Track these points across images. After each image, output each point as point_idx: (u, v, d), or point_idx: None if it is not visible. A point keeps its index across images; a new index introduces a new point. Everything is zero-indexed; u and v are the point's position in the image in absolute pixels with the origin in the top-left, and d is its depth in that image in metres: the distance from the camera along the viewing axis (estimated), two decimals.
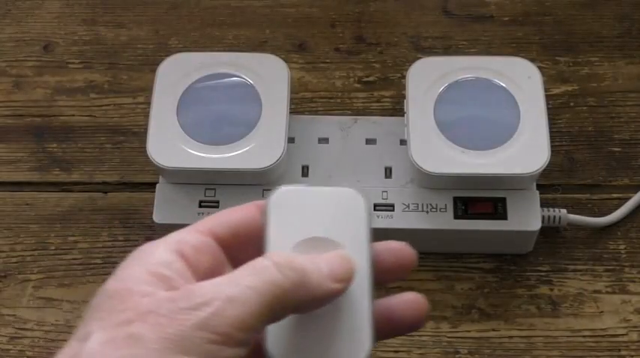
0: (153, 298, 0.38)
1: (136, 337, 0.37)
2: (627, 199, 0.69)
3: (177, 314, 0.37)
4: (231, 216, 0.42)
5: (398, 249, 0.43)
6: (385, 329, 0.42)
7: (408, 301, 0.43)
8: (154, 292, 0.38)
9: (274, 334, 0.41)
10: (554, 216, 0.67)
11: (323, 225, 0.42)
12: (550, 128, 0.65)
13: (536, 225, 0.65)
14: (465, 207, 0.65)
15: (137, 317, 0.37)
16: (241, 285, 0.38)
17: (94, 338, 0.37)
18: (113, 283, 0.39)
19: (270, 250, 0.41)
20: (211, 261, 0.41)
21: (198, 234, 0.41)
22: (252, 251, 0.42)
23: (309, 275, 0.39)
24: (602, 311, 0.65)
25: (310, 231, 0.42)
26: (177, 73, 0.68)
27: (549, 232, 0.68)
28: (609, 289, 0.66)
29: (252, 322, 0.37)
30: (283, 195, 0.43)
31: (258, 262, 0.39)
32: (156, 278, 0.38)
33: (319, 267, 0.40)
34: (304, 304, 0.40)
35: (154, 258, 0.39)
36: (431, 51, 0.77)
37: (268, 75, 0.68)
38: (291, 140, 0.68)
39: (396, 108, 0.74)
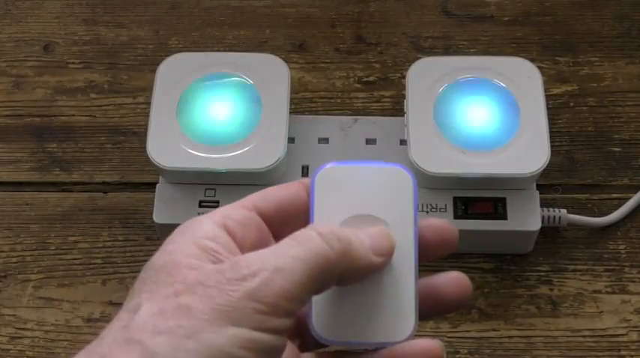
0: (201, 270, 0.38)
1: (186, 308, 0.37)
2: (627, 199, 0.69)
3: (225, 285, 0.37)
4: (277, 192, 0.43)
5: (440, 226, 0.43)
6: (430, 307, 0.43)
7: (452, 279, 0.43)
8: (201, 265, 0.38)
9: (319, 308, 0.41)
10: (554, 216, 0.67)
11: (369, 203, 0.42)
12: (550, 128, 0.65)
13: (536, 225, 0.65)
14: (465, 207, 0.65)
15: (185, 289, 0.37)
16: (287, 256, 0.38)
17: (143, 310, 0.37)
18: (160, 257, 0.39)
19: None
20: (256, 235, 0.41)
21: (243, 209, 0.42)
22: (296, 228, 0.42)
23: (353, 246, 0.40)
24: (602, 311, 0.65)
25: (356, 209, 0.42)
26: (177, 73, 0.68)
27: (549, 232, 0.68)
28: (609, 289, 0.66)
29: (299, 292, 0.38)
30: (329, 173, 0.43)
31: (302, 233, 0.39)
32: (202, 252, 0.39)
33: (362, 239, 0.40)
34: (348, 275, 0.40)
35: (200, 231, 0.40)
36: (431, 51, 0.77)
37: (268, 75, 0.68)
38: (291, 140, 0.68)
39: (396, 108, 0.74)
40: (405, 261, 0.42)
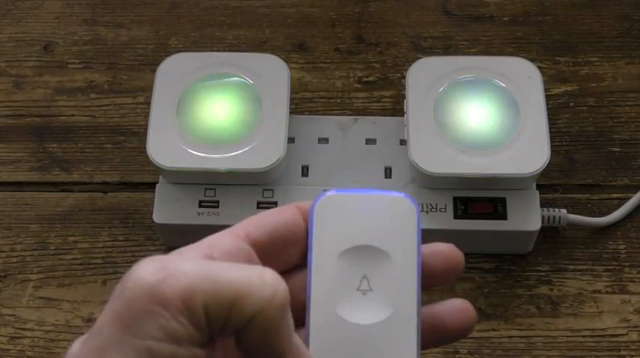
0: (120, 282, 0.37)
1: (98, 326, 0.36)
2: (627, 199, 0.69)
3: (125, 287, 0.36)
4: (270, 218, 0.41)
5: (446, 254, 0.42)
6: (433, 337, 0.41)
7: (456, 308, 0.41)
8: None
9: (318, 346, 0.40)
10: (554, 216, 0.67)
11: (371, 233, 0.40)
12: (550, 128, 0.65)
13: (536, 225, 0.65)
14: (465, 207, 0.65)
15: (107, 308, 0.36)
16: (212, 266, 0.36)
17: (79, 338, 0.37)
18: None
19: (315, 258, 0.40)
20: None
21: (233, 237, 0.40)
22: (291, 254, 0.41)
23: (286, 318, 0.37)
24: (601, 311, 0.65)
25: (357, 239, 0.40)
26: (177, 73, 0.68)
27: (549, 232, 0.68)
28: (609, 289, 0.66)
29: (201, 298, 0.35)
30: (330, 201, 0.41)
31: (263, 268, 0.37)
32: None
33: (294, 334, 0.38)
34: (257, 334, 0.37)
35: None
36: (431, 51, 0.77)
37: (268, 75, 0.68)
38: (291, 140, 0.68)
39: (396, 108, 0.74)
40: (408, 294, 0.40)
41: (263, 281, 0.36)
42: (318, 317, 0.40)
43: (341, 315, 0.40)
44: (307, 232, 0.41)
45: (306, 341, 0.40)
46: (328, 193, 0.41)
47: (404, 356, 0.40)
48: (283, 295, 0.36)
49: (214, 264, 0.37)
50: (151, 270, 0.36)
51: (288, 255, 0.41)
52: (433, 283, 0.41)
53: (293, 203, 0.42)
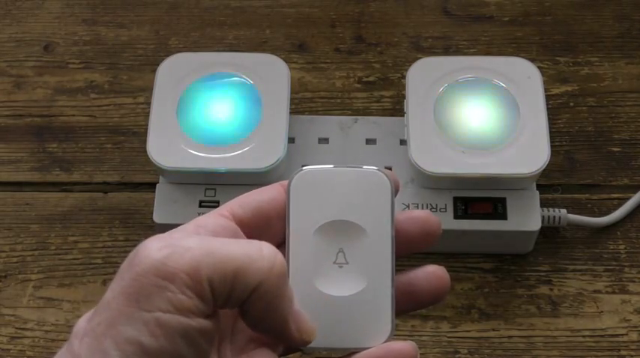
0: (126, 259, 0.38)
1: (105, 300, 0.38)
2: (627, 199, 0.69)
3: (133, 263, 0.37)
4: (255, 196, 0.42)
5: (422, 219, 0.43)
6: (406, 303, 0.43)
7: (429, 274, 0.43)
8: None
9: None
10: (554, 216, 0.67)
11: (346, 208, 0.42)
12: (550, 128, 0.65)
13: (536, 225, 0.65)
14: (465, 207, 0.65)
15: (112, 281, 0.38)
16: (213, 242, 0.38)
17: (86, 314, 0.39)
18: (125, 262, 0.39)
19: (292, 234, 0.42)
20: None
21: (219, 217, 0.41)
22: (276, 231, 0.42)
23: (286, 286, 0.39)
24: (601, 311, 0.65)
25: (333, 214, 0.42)
26: (177, 73, 0.68)
27: (549, 232, 0.68)
28: (609, 289, 0.66)
29: (206, 274, 0.37)
30: (305, 177, 0.43)
31: (259, 242, 0.39)
32: None
33: (294, 301, 0.40)
34: (260, 304, 0.39)
35: None
36: (431, 51, 0.77)
37: (268, 75, 0.68)
38: (291, 140, 0.68)
39: (396, 108, 0.74)
40: (383, 266, 0.42)
41: (262, 254, 0.38)
42: (297, 290, 0.41)
43: (319, 288, 0.42)
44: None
45: None
46: (303, 169, 0.43)
47: (380, 324, 0.42)
48: (281, 265, 0.39)
49: (216, 240, 0.39)
50: (157, 247, 0.38)
51: (273, 231, 0.42)
52: (411, 249, 0.43)
53: (278, 182, 0.43)
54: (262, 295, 0.38)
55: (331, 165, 0.43)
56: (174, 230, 0.41)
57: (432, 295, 0.43)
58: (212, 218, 0.41)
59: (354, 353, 0.42)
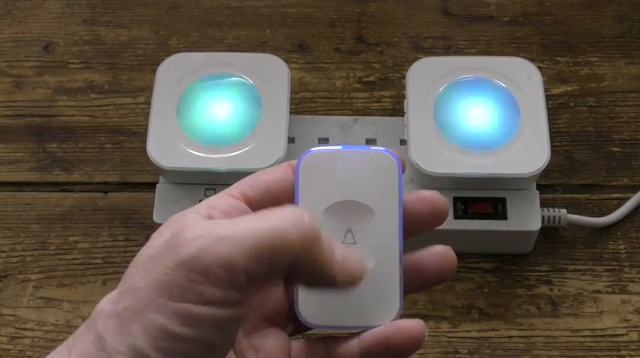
0: (153, 246, 0.38)
1: (132, 287, 0.37)
2: (627, 199, 0.69)
3: (164, 255, 0.37)
4: (264, 177, 0.43)
5: (430, 199, 0.43)
6: (413, 282, 0.43)
7: (435, 254, 0.43)
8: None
9: (305, 294, 0.42)
10: (554, 216, 0.67)
11: (354, 189, 0.42)
12: (550, 128, 0.65)
13: (536, 225, 0.65)
14: (465, 207, 0.65)
15: (136, 267, 0.38)
16: (240, 226, 0.38)
17: (108, 295, 0.39)
18: (145, 249, 0.39)
19: None
20: None
21: (229, 197, 0.41)
22: None
23: (319, 245, 0.39)
24: (601, 311, 0.65)
25: (341, 195, 0.42)
26: (177, 73, 0.68)
27: (549, 232, 0.68)
28: (609, 289, 0.66)
29: (241, 262, 0.37)
30: (314, 158, 0.43)
31: (280, 209, 0.39)
32: None
33: (333, 249, 0.40)
34: (299, 269, 0.39)
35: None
36: (431, 51, 0.77)
37: (268, 75, 0.68)
38: (291, 140, 0.68)
39: (396, 108, 0.74)
40: (391, 245, 0.42)
41: (290, 223, 0.38)
42: None
43: None
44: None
45: (296, 293, 0.42)
46: (312, 150, 0.43)
47: (388, 303, 0.42)
48: (311, 228, 0.38)
49: (244, 221, 0.38)
50: (188, 237, 0.37)
51: None
52: (418, 229, 0.43)
53: (287, 161, 0.43)
54: (303, 263, 0.38)
55: (339, 146, 0.43)
56: (184, 211, 0.40)
57: (438, 274, 0.43)
58: (223, 198, 0.41)
59: (363, 331, 0.42)
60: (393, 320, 0.42)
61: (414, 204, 0.43)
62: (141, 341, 0.36)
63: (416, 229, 0.43)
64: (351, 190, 0.42)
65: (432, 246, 0.43)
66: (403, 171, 0.43)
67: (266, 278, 0.38)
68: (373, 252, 0.42)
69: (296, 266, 0.38)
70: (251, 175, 0.43)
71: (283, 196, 0.42)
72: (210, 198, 0.42)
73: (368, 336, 0.42)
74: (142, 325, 0.36)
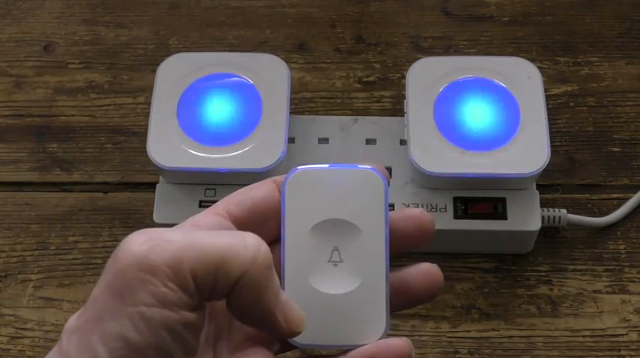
0: (112, 255, 0.39)
1: (93, 297, 0.38)
2: (627, 199, 0.69)
3: (117, 258, 0.38)
4: (249, 194, 0.43)
5: (416, 217, 0.43)
6: (400, 300, 0.43)
7: (421, 272, 0.43)
8: None
9: None
10: (554, 216, 0.67)
11: (340, 207, 0.43)
12: (550, 128, 0.65)
13: (536, 225, 0.65)
14: (465, 207, 0.65)
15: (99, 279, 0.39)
16: (196, 234, 0.39)
17: (77, 312, 0.39)
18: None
19: (288, 232, 0.42)
20: None
21: (214, 215, 0.42)
22: (270, 226, 0.42)
23: (271, 275, 0.39)
24: (601, 311, 0.65)
25: (328, 213, 0.43)
26: (177, 73, 0.68)
27: (549, 232, 0.68)
28: (609, 289, 0.66)
29: (189, 264, 0.37)
30: (300, 176, 0.43)
31: (244, 233, 0.39)
32: None
33: (281, 292, 0.40)
34: (246, 292, 0.39)
35: None
36: (431, 51, 0.77)
37: (268, 75, 0.68)
38: (291, 140, 0.68)
39: (396, 108, 0.74)
40: (377, 264, 0.42)
41: (245, 244, 0.39)
42: (293, 288, 0.42)
43: (314, 286, 0.43)
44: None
45: None
46: (298, 169, 0.43)
47: (374, 322, 0.42)
48: (265, 255, 0.39)
49: (199, 233, 0.39)
50: (139, 241, 0.38)
51: (268, 228, 0.43)
52: (406, 247, 0.43)
53: (271, 178, 0.43)
54: (247, 285, 0.38)
55: (326, 165, 0.43)
56: (183, 224, 0.41)
57: (425, 292, 0.43)
58: (208, 216, 0.42)
59: (349, 350, 0.42)
60: (380, 338, 0.42)
61: (400, 222, 0.43)
62: (101, 352, 0.36)
63: (403, 247, 0.43)
64: (337, 208, 0.43)
65: (418, 263, 0.43)
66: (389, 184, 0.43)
67: (212, 291, 0.38)
68: (360, 271, 0.42)
69: (239, 288, 0.38)
70: (236, 192, 0.43)
71: (269, 213, 0.42)
72: (195, 216, 0.42)
73: (355, 355, 0.42)
74: (100, 335, 0.37)
